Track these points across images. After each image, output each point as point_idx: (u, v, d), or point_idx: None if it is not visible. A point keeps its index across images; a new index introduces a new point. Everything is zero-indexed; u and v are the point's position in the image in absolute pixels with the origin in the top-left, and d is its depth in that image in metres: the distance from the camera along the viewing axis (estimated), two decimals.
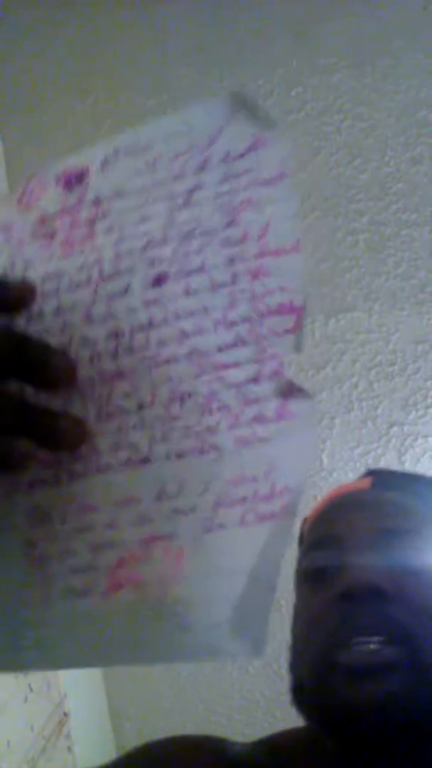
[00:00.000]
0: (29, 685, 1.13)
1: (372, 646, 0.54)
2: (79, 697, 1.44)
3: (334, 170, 1.32)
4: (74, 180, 0.46)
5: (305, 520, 0.69)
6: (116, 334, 0.42)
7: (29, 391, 0.41)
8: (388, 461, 1.67)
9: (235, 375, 0.39)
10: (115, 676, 1.74)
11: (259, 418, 0.38)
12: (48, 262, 0.44)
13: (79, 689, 1.49)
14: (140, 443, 0.40)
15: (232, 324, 0.40)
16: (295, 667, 0.61)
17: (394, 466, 1.68)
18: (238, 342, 0.39)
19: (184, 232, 0.42)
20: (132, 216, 0.43)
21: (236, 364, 0.39)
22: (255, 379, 0.39)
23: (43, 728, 1.16)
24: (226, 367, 0.39)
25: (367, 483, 0.68)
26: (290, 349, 0.39)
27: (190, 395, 0.40)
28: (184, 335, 0.40)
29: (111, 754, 1.41)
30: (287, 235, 0.40)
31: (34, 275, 0.44)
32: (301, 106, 1.29)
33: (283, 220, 0.40)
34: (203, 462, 0.39)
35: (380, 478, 0.70)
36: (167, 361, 0.40)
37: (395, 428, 1.61)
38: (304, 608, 0.62)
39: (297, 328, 0.38)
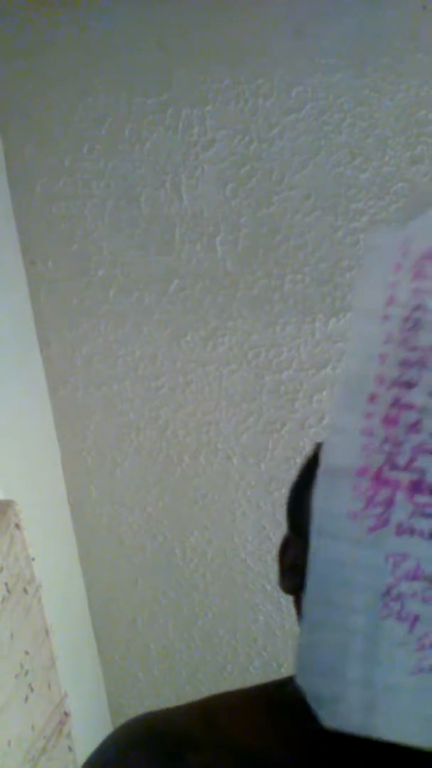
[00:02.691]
0: (29, 685, 1.13)
1: None
2: (79, 697, 1.44)
3: (334, 170, 1.32)
4: None
5: None
6: None
7: None
8: None
9: None
10: (115, 676, 1.74)
11: None
12: None
13: (79, 689, 1.49)
14: None
15: None
16: None
17: None
18: None
19: None
20: None
21: None
22: None
23: (43, 728, 1.17)
24: None
25: None
26: None
27: None
28: None
29: None
30: None
31: None
32: (301, 106, 1.29)
33: None
34: None
35: None
36: None
37: None
38: None
39: None
